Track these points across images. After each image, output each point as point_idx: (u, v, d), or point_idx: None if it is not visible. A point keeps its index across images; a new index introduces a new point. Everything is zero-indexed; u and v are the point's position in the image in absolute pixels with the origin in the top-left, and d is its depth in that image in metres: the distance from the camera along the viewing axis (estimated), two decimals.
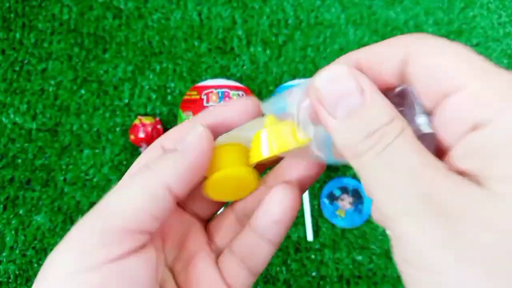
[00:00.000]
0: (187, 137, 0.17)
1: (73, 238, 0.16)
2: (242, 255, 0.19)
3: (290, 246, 0.46)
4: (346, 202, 0.47)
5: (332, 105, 0.15)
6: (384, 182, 0.14)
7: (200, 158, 0.17)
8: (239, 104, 0.19)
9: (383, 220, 0.14)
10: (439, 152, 0.15)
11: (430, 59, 0.14)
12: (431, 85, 0.14)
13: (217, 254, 0.20)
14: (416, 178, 0.13)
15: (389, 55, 0.16)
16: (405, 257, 0.13)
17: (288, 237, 0.46)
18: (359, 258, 0.46)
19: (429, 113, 0.15)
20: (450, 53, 0.14)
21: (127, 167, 0.40)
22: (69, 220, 0.45)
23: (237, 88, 0.46)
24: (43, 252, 0.44)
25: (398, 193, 0.13)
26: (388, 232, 0.13)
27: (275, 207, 0.18)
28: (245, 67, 0.51)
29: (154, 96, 0.50)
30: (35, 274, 0.20)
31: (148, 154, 0.19)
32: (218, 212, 0.22)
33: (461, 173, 0.13)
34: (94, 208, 0.16)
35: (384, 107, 0.14)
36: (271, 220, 0.19)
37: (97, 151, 0.48)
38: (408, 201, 0.13)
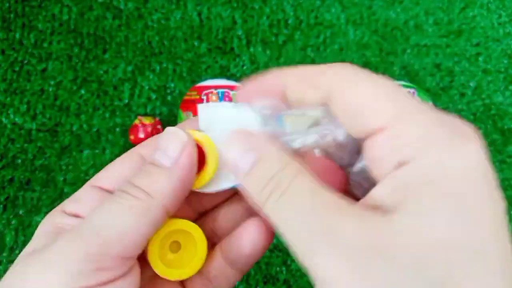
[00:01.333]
0: (174, 148, 0.17)
1: (62, 259, 0.15)
2: (209, 276, 0.20)
3: None
4: None
5: (238, 166, 0.16)
6: (289, 224, 0.14)
7: (192, 173, 0.17)
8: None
9: (299, 259, 0.15)
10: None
11: (352, 99, 0.15)
12: (354, 123, 0.15)
13: None
14: (316, 216, 0.14)
15: (312, 89, 0.16)
16: None
17: None
18: None
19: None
20: (372, 91, 0.15)
21: None
22: None
23: (237, 88, 0.46)
24: None
25: (302, 232, 0.14)
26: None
27: (246, 242, 0.19)
28: (245, 67, 0.51)
29: (154, 96, 0.50)
30: None
31: (125, 163, 0.19)
32: None
33: (378, 208, 0.14)
34: (84, 226, 0.16)
35: (275, 158, 0.16)
36: (242, 254, 0.19)
37: (97, 151, 0.48)
38: (312, 239, 0.13)
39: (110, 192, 0.18)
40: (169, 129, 0.18)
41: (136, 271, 0.17)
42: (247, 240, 0.19)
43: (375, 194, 0.14)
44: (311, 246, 0.13)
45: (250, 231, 0.19)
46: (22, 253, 0.17)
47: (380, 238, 0.13)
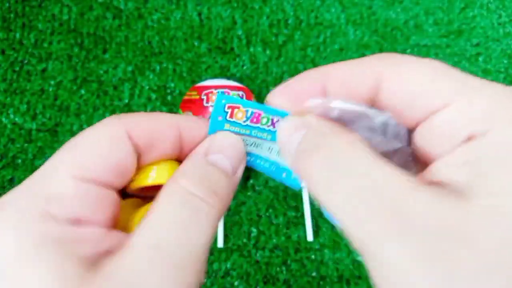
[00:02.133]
0: (236, 159, 0.17)
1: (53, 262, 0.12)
2: None
3: (290, 246, 0.46)
4: None
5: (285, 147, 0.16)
6: (343, 204, 0.13)
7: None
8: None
9: (357, 245, 0.13)
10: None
11: (406, 83, 0.14)
12: (411, 107, 0.14)
13: None
14: (378, 194, 0.12)
15: (360, 80, 0.16)
16: (388, 279, 0.12)
17: (288, 237, 0.46)
18: (359, 258, 0.46)
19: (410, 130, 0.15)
20: (426, 71, 0.14)
21: None
22: None
23: (237, 88, 0.46)
24: None
25: (361, 213, 0.12)
26: (359, 258, 0.13)
27: None
28: (245, 67, 0.51)
29: (154, 96, 0.50)
30: None
31: (103, 144, 0.15)
32: None
33: (441, 185, 0.12)
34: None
35: (323, 127, 0.15)
36: None
37: None
38: (378, 220, 0.12)
39: (95, 182, 0.14)
40: (228, 135, 0.17)
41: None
42: None
43: (439, 170, 0.13)
44: (375, 232, 0.12)
45: None
46: None
47: (460, 223, 0.11)
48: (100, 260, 0.12)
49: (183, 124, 0.17)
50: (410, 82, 0.14)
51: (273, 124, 0.18)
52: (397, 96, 0.14)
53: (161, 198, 0.14)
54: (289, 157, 0.15)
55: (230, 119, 0.17)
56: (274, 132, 0.18)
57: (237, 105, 0.18)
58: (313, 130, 0.15)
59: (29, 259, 0.12)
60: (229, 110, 0.17)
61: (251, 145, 0.18)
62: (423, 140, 0.14)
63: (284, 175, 0.19)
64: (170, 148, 0.17)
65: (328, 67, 0.16)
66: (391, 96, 0.15)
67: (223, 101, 0.17)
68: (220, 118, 0.17)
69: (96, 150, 0.14)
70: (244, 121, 0.18)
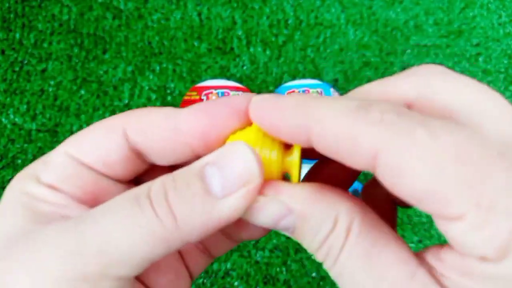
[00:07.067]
0: (235, 178, 0.13)
1: (55, 276, 0.13)
2: (205, 242, 0.18)
3: (290, 246, 0.46)
4: None
5: (274, 226, 0.14)
6: None
7: (238, 217, 0.14)
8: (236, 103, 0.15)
9: None
10: None
11: (404, 174, 0.11)
12: (411, 201, 0.12)
13: None
14: None
15: (357, 150, 0.12)
16: None
17: (288, 237, 0.46)
18: None
19: (402, 204, 0.14)
20: (449, 160, 0.11)
21: None
22: None
23: (237, 89, 0.46)
24: None
25: None
26: None
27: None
28: (245, 68, 0.51)
29: (154, 97, 0.50)
30: None
31: (110, 137, 0.15)
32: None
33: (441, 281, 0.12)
34: (86, 236, 0.13)
35: (321, 214, 0.13)
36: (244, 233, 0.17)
37: None
38: None
39: (89, 167, 0.15)
40: (240, 144, 0.13)
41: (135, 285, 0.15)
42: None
43: (445, 267, 0.12)
44: None
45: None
46: None
47: None
48: (54, 219, 0.14)
49: (183, 121, 0.15)
50: (411, 173, 0.11)
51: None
52: (398, 190, 0.11)
53: (123, 194, 0.14)
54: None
55: None
56: None
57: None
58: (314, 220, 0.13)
59: (3, 205, 0.15)
60: None
61: None
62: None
63: None
64: (175, 146, 0.15)
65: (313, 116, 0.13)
66: (389, 185, 0.12)
67: None
68: None
69: (90, 137, 0.16)
70: None
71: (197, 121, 0.15)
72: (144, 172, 0.17)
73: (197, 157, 0.14)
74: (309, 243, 0.13)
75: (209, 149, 0.14)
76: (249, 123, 0.15)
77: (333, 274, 0.13)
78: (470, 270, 0.11)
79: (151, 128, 0.15)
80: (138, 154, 0.16)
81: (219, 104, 0.15)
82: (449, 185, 0.10)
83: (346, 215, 0.13)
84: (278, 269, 0.45)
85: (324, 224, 0.13)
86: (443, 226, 0.11)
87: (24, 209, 0.14)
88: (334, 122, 0.12)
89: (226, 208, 0.13)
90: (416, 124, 0.11)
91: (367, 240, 0.12)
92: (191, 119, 0.15)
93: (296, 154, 0.15)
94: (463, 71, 0.52)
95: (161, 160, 0.16)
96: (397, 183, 0.11)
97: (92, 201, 0.15)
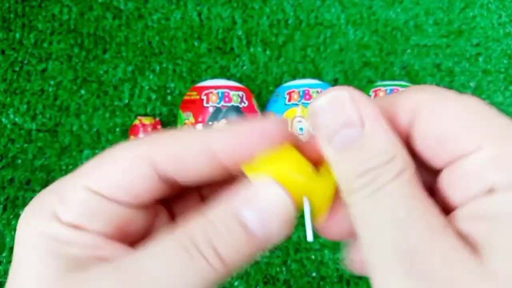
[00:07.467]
0: (272, 217, 0.14)
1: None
2: None
3: (290, 246, 0.46)
4: None
5: (329, 133, 0.13)
6: (370, 228, 0.13)
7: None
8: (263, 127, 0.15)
9: (363, 265, 0.13)
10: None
11: (437, 123, 0.13)
12: (441, 146, 0.14)
13: None
14: (399, 233, 0.12)
15: (396, 114, 0.14)
16: None
17: (288, 237, 0.46)
18: None
19: (436, 170, 0.15)
20: (462, 111, 0.13)
21: None
22: None
23: (237, 89, 0.46)
24: None
25: (380, 244, 0.12)
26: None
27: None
28: (245, 67, 0.51)
29: (154, 97, 0.50)
30: None
31: (121, 164, 0.15)
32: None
33: (461, 236, 0.12)
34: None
35: (385, 144, 0.13)
36: None
37: (97, 151, 0.48)
38: (388, 255, 0.12)
39: (112, 200, 0.15)
40: (269, 182, 0.14)
41: None
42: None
43: (458, 219, 0.13)
44: (386, 262, 0.12)
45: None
46: (14, 277, 0.14)
47: (468, 281, 0.11)
48: (89, 264, 0.13)
49: (216, 143, 0.15)
50: (443, 122, 0.13)
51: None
52: (428, 136, 0.14)
53: (165, 239, 0.14)
54: (324, 142, 0.14)
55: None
56: None
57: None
58: (374, 146, 0.13)
59: (25, 250, 0.14)
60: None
61: None
62: (448, 184, 0.14)
63: None
64: (207, 168, 0.15)
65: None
66: (422, 135, 0.14)
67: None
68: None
69: (113, 169, 0.15)
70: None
71: (230, 142, 0.15)
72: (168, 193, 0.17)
73: (224, 175, 0.15)
74: (357, 164, 0.13)
75: (237, 168, 0.15)
76: (277, 143, 0.15)
77: (364, 204, 0.13)
78: (477, 212, 0.12)
79: (183, 153, 0.15)
80: (165, 180, 0.15)
81: (249, 126, 0.15)
82: (470, 126, 0.13)
83: (403, 159, 0.13)
84: (278, 269, 0.45)
85: (383, 153, 0.13)
86: (459, 168, 0.13)
87: (55, 257, 0.13)
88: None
89: (267, 242, 0.14)
90: (449, 91, 0.14)
91: (414, 187, 0.13)
92: (224, 140, 0.15)
93: (328, 170, 0.15)
94: (463, 71, 0.52)
95: (189, 181, 0.16)
96: (431, 130, 0.14)
97: (119, 235, 0.15)
